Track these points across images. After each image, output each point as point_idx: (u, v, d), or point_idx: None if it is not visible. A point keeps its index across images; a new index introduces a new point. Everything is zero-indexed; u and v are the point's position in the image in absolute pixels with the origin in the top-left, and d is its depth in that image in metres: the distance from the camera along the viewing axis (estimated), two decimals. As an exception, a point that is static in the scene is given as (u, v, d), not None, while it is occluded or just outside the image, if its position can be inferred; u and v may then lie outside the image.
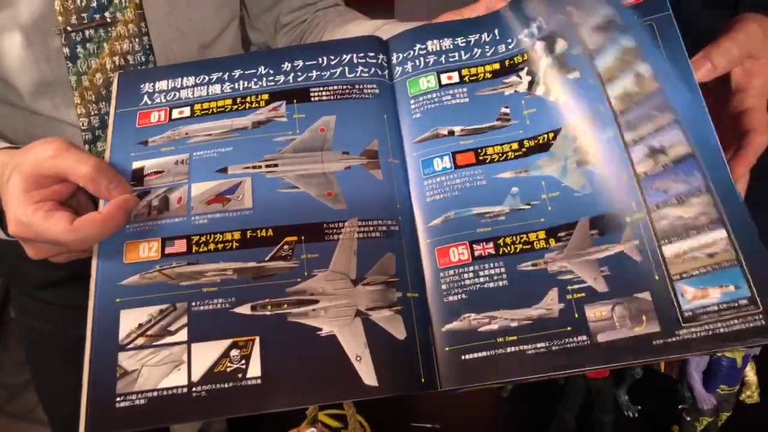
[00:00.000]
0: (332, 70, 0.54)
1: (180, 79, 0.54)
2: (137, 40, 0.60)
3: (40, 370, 0.83)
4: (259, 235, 0.48)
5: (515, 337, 0.44)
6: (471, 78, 0.53)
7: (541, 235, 0.47)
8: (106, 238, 0.46)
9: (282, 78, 0.53)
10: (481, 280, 0.46)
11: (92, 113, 0.60)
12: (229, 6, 0.70)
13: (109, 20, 0.59)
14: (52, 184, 0.46)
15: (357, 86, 0.54)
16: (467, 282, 0.46)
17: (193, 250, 0.47)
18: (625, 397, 0.87)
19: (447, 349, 0.45)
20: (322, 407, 0.77)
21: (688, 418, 0.82)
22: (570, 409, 0.86)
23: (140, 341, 0.44)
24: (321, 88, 0.53)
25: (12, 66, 0.58)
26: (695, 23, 0.53)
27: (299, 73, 0.54)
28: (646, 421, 0.86)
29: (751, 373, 0.82)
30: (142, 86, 0.54)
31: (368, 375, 0.43)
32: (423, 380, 0.44)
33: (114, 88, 0.53)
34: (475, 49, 0.54)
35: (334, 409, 0.78)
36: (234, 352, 0.44)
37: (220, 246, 0.47)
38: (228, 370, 0.43)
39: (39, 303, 0.76)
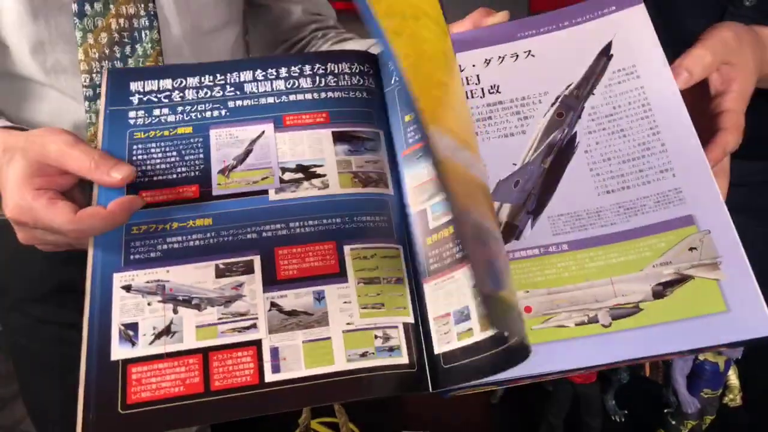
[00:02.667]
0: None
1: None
2: (142, 5, 0.60)
3: (28, 384, 0.83)
4: None
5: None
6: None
7: None
8: (104, 233, 0.46)
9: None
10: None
11: (95, 71, 0.60)
12: (227, 5, 0.71)
13: None
14: (55, 174, 0.46)
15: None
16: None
17: None
18: (612, 402, 0.88)
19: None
20: (314, 415, 0.78)
21: (674, 422, 0.84)
22: (558, 414, 0.86)
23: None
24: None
25: (6, 22, 0.58)
26: (685, 32, 0.55)
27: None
28: (632, 425, 0.87)
29: (733, 377, 0.84)
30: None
31: None
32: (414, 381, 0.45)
33: (103, 84, 0.52)
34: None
35: (327, 417, 0.79)
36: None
37: None
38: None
39: (25, 319, 0.76)
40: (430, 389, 0.45)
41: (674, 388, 0.83)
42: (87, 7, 0.59)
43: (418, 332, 0.46)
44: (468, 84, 0.55)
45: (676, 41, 0.51)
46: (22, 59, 0.61)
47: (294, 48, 0.79)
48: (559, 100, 0.52)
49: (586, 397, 0.85)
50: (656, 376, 0.88)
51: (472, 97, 0.54)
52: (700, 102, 0.51)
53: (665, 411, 0.86)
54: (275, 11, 0.78)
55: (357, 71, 0.56)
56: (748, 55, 0.50)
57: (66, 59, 0.61)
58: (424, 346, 0.46)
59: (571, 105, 0.52)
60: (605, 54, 0.53)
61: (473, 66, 0.55)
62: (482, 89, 0.54)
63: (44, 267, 0.51)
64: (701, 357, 0.82)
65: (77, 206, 0.45)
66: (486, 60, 0.55)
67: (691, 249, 0.45)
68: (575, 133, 0.51)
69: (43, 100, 0.63)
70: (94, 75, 0.60)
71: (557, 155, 0.51)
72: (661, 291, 0.44)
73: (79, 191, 0.49)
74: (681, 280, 0.44)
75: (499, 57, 0.55)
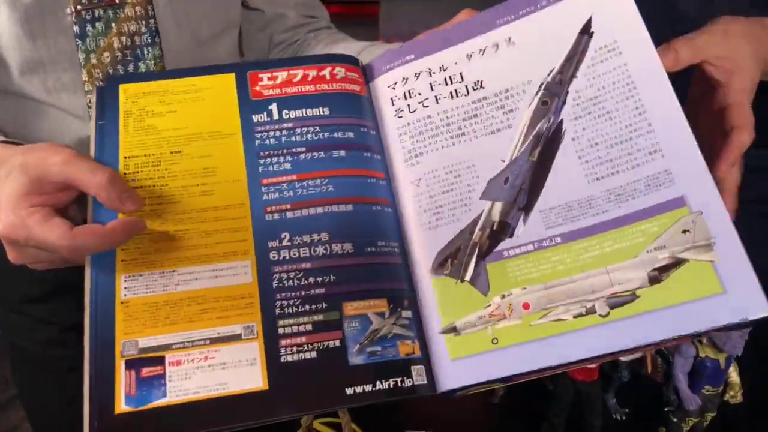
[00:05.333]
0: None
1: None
2: (144, 22, 0.61)
3: (26, 387, 0.82)
4: None
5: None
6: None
7: None
8: (100, 252, 0.45)
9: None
10: None
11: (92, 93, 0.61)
12: (226, 11, 0.71)
13: (117, 1, 0.59)
14: (54, 190, 0.45)
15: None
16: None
17: None
18: (613, 400, 0.89)
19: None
20: (316, 416, 0.78)
21: (675, 419, 0.84)
22: (559, 413, 0.87)
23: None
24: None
25: (3, 41, 0.58)
26: (678, 16, 0.55)
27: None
28: (633, 423, 0.87)
29: (734, 374, 0.84)
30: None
31: None
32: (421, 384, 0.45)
33: (93, 101, 0.53)
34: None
35: (329, 417, 0.79)
36: None
37: None
38: None
39: (24, 319, 0.76)
40: (438, 390, 0.45)
41: (675, 386, 0.83)
42: (89, 27, 0.59)
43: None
44: (452, 83, 0.54)
45: (670, 25, 0.51)
46: (20, 78, 0.61)
47: (288, 49, 0.79)
48: (543, 87, 0.51)
49: (587, 396, 0.85)
50: (657, 373, 0.89)
51: (457, 96, 0.54)
52: (704, 99, 0.51)
53: (666, 409, 0.86)
54: (269, 15, 0.78)
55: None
56: (743, 46, 0.50)
57: (67, 77, 0.61)
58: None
59: (555, 91, 0.51)
60: (586, 32, 0.51)
61: (455, 63, 0.55)
62: (466, 87, 0.54)
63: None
64: (702, 354, 0.82)
65: (72, 224, 0.44)
66: (468, 55, 0.54)
67: (684, 231, 0.44)
68: (561, 120, 0.50)
69: (43, 117, 0.63)
70: None
71: (545, 146, 0.50)
72: (657, 276, 0.44)
73: (76, 208, 0.48)
74: (676, 263, 0.44)
75: (480, 50, 0.54)
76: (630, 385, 0.88)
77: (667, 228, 0.45)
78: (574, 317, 0.45)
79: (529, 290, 0.47)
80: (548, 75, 0.51)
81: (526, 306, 0.46)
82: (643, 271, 0.44)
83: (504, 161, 0.51)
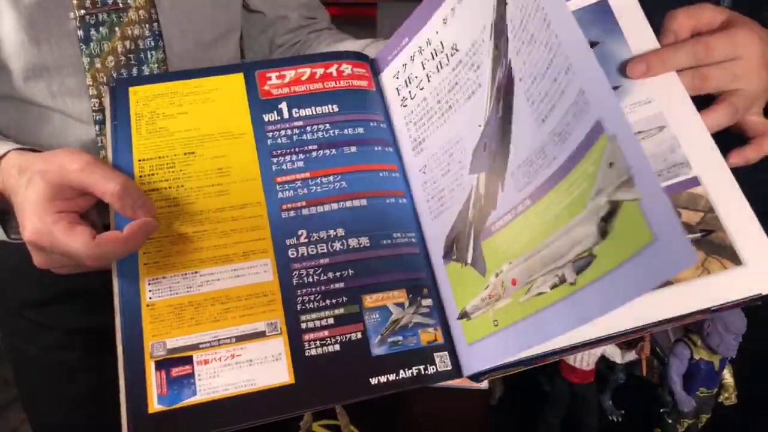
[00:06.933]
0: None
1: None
2: (147, 26, 0.61)
3: (29, 390, 0.83)
4: None
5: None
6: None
7: None
8: (122, 257, 0.46)
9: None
10: None
11: (103, 94, 0.60)
12: (227, 14, 0.71)
13: (121, 5, 0.60)
14: (75, 196, 0.45)
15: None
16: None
17: None
18: (609, 402, 0.89)
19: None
20: (315, 418, 0.78)
21: (670, 421, 0.85)
22: (556, 415, 0.87)
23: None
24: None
25: (7, 47, 0.58)
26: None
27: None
28: (629, 425, 0.88)
29: (728, 376, 0.85)
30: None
31: None
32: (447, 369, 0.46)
33: (107, 102, 0.54)
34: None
35: (328, 419, 0.80)
36: None
37: None
38: None
39: (27, 324, 0.76)
40: (462, 375, 0.46)
41: (670, 388, 0.84)
42: (92, 32, 0.59)
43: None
44: (437, 55, 0.52)
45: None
46: (24, 83, 0.61)
47: (290, 51, 0.80)
48: (492, 28, 0.46)
49: (583, 397, 0.86)
50: (652, 375, 0.90)
51: (442, 67, 0.52)
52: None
53: (661, 410, 0.87)
54: (270, 17, 0.78)
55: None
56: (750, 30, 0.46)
57: (72, 82, 0.61)
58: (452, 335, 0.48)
59: (501, 29, 0.45)
60: None
61: (437, 33, 0.52)
62: (446, 55, 0.51)
63: (47, 272, 0.50)
64: (696, 356, 0.83)
65: (95, 230, 0.45)
66: (443, 19, 0.52)
67: (610, 165, 0.36)
68: (510, 61, 0.44)
69: (47, 122, 0.63)
70: (102, 99, 0.61)
71: (504, 96, 0.44)
72: (604, 227, 0.36)
73: (95, 212, 0.49)
74: (614, 208, 0.36)
75: (452, 9, 0.51)
76: (625, 386, 0.89)
77: (599, 164, 0.36)
78: (551, 288, 0.39)
79: (514, 264, 0.42)
80: (493, 12, 0.46)
81: (513, 282, 0.43)
82: (593, 225, 0.37)
83: (480, 126, 0.47)
